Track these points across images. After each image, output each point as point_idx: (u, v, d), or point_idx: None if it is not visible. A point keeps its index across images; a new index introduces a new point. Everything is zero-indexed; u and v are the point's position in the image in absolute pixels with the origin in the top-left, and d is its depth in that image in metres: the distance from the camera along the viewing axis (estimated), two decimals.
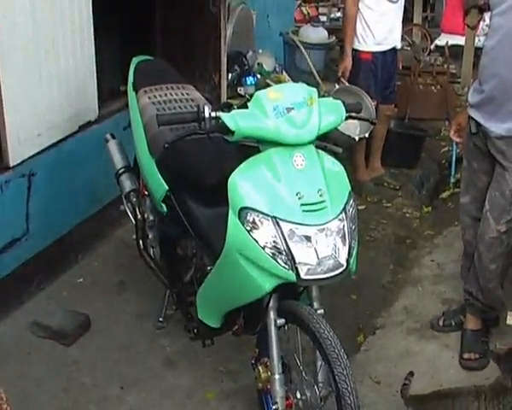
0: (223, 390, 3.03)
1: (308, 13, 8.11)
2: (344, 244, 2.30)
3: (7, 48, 3.15)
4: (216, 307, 2.69)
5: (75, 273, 3.78)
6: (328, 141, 2.55)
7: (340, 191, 2.38)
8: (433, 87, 6.24)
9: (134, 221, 3.25)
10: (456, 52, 6.73)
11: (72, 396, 2.95)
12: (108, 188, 3.77)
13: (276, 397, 2.42)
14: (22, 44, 3.25)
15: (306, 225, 2.24)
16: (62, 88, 3.60)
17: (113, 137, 3.45)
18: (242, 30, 5.45)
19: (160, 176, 2.92)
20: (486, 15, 4.71)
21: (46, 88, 3.47)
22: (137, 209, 3.22)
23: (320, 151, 2.42)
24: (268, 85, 3.61)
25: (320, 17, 8.32)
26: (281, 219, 2.24)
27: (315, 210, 2.26)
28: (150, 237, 3.26)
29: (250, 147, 2.45)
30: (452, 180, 5.18)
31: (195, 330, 2.91)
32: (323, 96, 3.17)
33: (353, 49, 4.79)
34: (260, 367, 2.51)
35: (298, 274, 2.24)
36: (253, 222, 2.26)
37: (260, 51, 5.70)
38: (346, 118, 2.51)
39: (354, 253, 2.36)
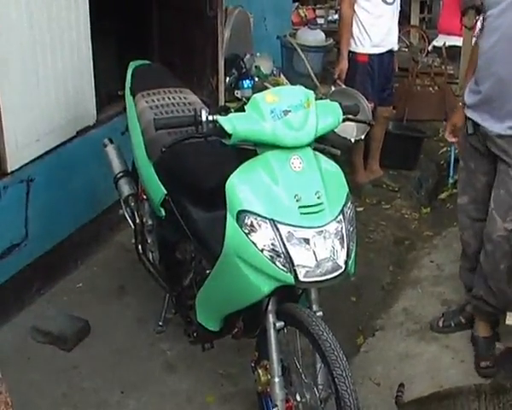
0: (223, 394, 3.03)
1: (305, 15, 8.10)
2: (342, 246, 2.31)
3: (4, 53, 3.15)
4: (215, 310, 2.70)
5: (74, 278, 3.78)
6: (324, 143, 2.56)
7: (337, 193, 2.38)
8: (430, 88, 6.24)
9: (133, 226, 3.25)
10: (453, 53, 6.73)
11: (72, 401, 2.95)
12: (107, 192, 3.77)
13: (276, 400, 2.42)
14: (19, 50, 3.25)
15: (304, 227, 2.25)
16: (60, 93, 3.60)
17: (112, 141, 3.45)
18: (240, 33, 5.45)
19: (158, 180, 2.93)
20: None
21: (44, 93, 3.47)
22: (136, 214, 3.24)
23: (317, 153, 2.43)
24: (266, 88, 3.61)
25: (317, 19, 8.32)
26: (279, 222, 2.24)
27: (313, 212, 2.26)
28: (149, 241, 3.26)
29: (247, 150, 2.45)
30: (451, 181, 5.17)
31: (195, 334, 2.91)
32: (321, 98, 3.17)
33: (350, 52, 4.80)
34: (260, 370, 2.52)
35: (296, 277, 2.24)
36: (251, 225, 2.26)
37: (258, 54, 5.70)
38: (344, 120, 2.51)
39: (353, 255, 2.36)
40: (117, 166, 3.38)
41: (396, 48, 5.03)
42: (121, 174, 3.35)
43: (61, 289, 3.68)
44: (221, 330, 2.74)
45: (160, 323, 3.36)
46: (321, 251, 2.25)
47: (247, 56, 5.39)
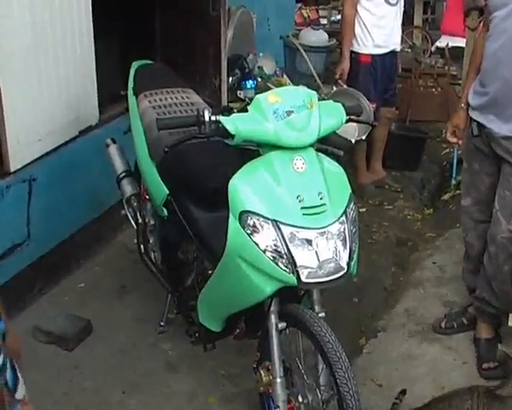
0: (224, 394, 3.02)
1: (308, 16, 8.12)
2: (345, 247, 2.30)
3: (7, 53, 3.15)
4: (217, 310, 2.69)
5: (76, 278, 3.78)
6: (326, 143, 2.55)
7: (340, 194, 2.37)
8: (433, 89, 6.24)
9: (135, 226, 3.25)
10: (456, 54, 6.72)
11: (73, 401, 2.95)
12: (109, 193, 3.77)
13: (278, 401, 2.42)
14: (22, 49, 3.25)
15: (307, 228, 2.24)
16: (62, 93, 3.60)
17: (114, 141, 3.45)
18: (242, 33, 5.45)
19: (160, 180, 2.92)
20: None
21: (46, 93, 3.47)
22: (138, 214, 3.23)
23: (320, 154, 2.42)
24: (268, 89, 3.60)
25: (320, 20, 8.35)
26: (281, 223, 2.24)
27: (315, 213, 2.26)
28: (151, 241, 3.26)
29: (250, 150, 2.45)
30: (453, 182, 5.17)
31: (197, 335, 2.91)
32: (324, 99, 3.16)
33: (353, 52, 4.80)
34: (262, 371, 2.51)
35: (299, 278, 2.24)
36: (254, 226, 2.25)
37: (261, 55, 5.70)
38: (347, 121, 2.50)
39: (355, 256, 2.35)
40: (119, 166, 3.37)
41: (399, 48, 5.03)
42: (124, 174, 3.35)
43: (63, 289, 3.68)
44: (223, 330, 2.73)
45: (162, 323, 3.35)
46: (323, 252, 2.25)
47: (250, 56, 5.38)
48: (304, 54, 5.83)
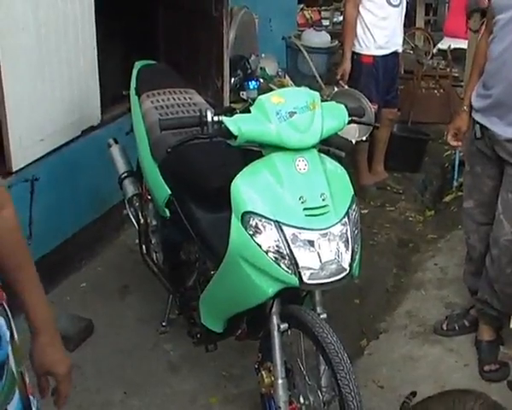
0: (226, 395, 3.02)
1: (311, 17, 8.12)
2: (347, 249, 2.29)
3: (10, 53, 3.15)
4: (219, 311, 2.69)
5: (78, 278, 3.78)
6: (327, 144, 2.55)
7: (342, 195, 2.37)
8: (435, 91, 6.24)
9: (137, 226, 3.25)
10: (458, 55, 6.72)
11: (75, 401, 2.94)
12: (111, 193, 3.77)
13: (280, 402, 2.41)
14: (25, 49, 3.26)
15: (309, 229, 2.24)
16: (65, 93, 3.60)
17: (116, 141, 3.46)
18: (245, 34, 5.45)
19: (162, 180, 2.92)
20: None
21: (49, 93, 3.48)
22: (140, 214, 3.23)
23: (322, 155, 2.42)
24: (271, 90, 3.60)
25: (322, 21, 8.35)
26: (284, 224, 2.23)
27: (318, 214, 2.25)
28: (153, 241, 3.25)
29: (253, 151, 2.45)
30: (455, 184, 5.16)
31: (198, 335, 2.91)
32: (326, 100, 3.16)
33: (354, 53, 4.80)
34: (263, 372, 2.51)
35: (301, 279, 2.23)
36: (256, 226, 2.25)
37: (263, 55, 5.70)
38: (349, 122, 2.50)
39: (357, 257, 2.35)
40: (121, 166, 3.38)
41: (400, 49, 5.03)
42: (126, 174, 3.35)
43: (65, 288, 3.68)
44: (225, 331, 2.73)
45: (164, 323, 3.35)
46: (325, 253, 2.24)
47: (253, 57, 5.38)
48: (306, 55, 5.83)
